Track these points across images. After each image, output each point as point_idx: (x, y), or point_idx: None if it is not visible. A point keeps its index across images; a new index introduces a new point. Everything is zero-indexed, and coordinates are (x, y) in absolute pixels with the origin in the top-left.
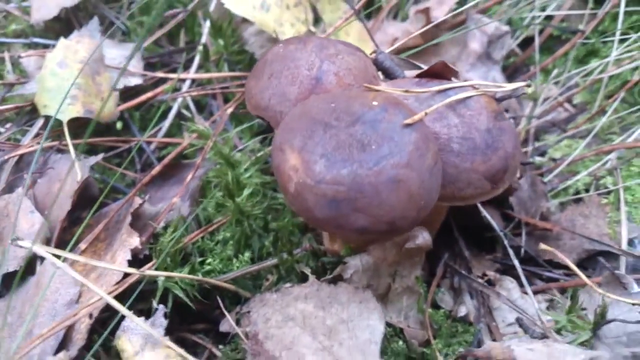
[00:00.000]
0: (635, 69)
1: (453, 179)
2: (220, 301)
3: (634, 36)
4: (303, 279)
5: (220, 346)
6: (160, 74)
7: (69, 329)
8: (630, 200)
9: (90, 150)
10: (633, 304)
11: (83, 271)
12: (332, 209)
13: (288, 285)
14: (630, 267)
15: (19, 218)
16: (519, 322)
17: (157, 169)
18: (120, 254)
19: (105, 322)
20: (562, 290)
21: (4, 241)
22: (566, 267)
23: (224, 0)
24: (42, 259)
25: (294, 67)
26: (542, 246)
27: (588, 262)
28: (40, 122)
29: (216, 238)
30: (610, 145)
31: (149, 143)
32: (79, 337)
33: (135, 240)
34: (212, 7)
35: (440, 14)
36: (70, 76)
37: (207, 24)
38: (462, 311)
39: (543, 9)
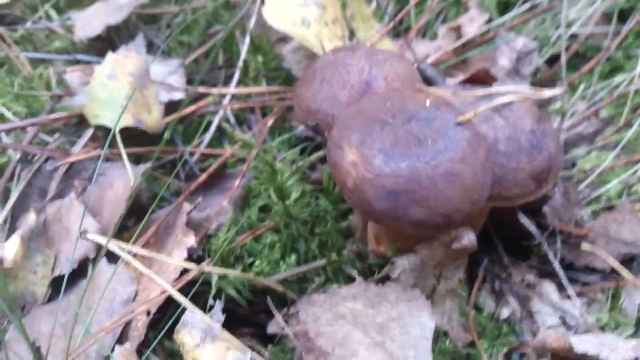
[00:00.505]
0: None
1: (499, 179)
2: (270, 300)
3: None
4: (350, 280)
5: (270, 345)
6: (202, 89)
7: (126, 326)
8: None
9: (135, 161)
10: None
11: (138, 272)
12: (390, 200)
13: (335, 286)
14: None
15: (71, 222)
16: (562, 320)
17: (202, 177)
18: (177, 252)
19: (158, 322)
20: (601, 293)
21: (56, 245)
22: (602, 272)
23: (267, 17)
24: (95, 261)
25: (345, 73)
26: (584, 245)
27: (624, 266)
28: (89, 132)
29: (263, 241)
30: (639, 154)
31: (192, 154)
32: (136, 334)
33: (191, 239)
34: (251, 26)
35: (471, 31)
36: (120, 87)
37: (247, 41)
38: (504, 313)
39: (568, 27)
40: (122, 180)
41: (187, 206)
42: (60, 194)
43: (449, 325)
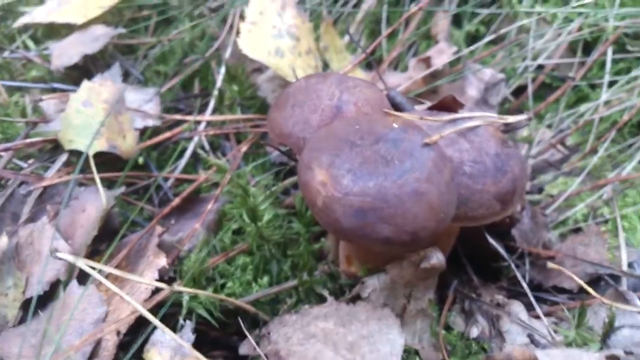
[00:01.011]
0: (624, 110)
1: (465, 200)
2: (241, 322)
3: (621, 81)
4: (321, 301)
5: None
6: (177, 117)
7: (97, 347)
8: (628, 227)
9: (110, 186)
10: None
11: (110, 292)
12: (358, 218)
13: (307, 306)
14: (631, 287)
15: (43, 245)
16: (530, 338)
17: (176, 201)
18: (148, 273)
19: (129, 344)
20: (568, 312)
21: (28, 267)
22: (570, 292)
23: (242, 47)
24: (66, 284)
25: (316, 98)
26: (550, 265)
27: (590, 286)
28: (63, 158)
29: (236, 263)
30: (604, 179)
31: (166, 180)
32: (106, 354)
33: (162, 260)
34: (227, 56)
35: (440, 62)
36: (95, 114)
37: (222, 71)
38: (474, 332)
39: (535, 59)
40: (95, 204)
41: (159, 228)
42: (32, 218)
43: (419, 345)
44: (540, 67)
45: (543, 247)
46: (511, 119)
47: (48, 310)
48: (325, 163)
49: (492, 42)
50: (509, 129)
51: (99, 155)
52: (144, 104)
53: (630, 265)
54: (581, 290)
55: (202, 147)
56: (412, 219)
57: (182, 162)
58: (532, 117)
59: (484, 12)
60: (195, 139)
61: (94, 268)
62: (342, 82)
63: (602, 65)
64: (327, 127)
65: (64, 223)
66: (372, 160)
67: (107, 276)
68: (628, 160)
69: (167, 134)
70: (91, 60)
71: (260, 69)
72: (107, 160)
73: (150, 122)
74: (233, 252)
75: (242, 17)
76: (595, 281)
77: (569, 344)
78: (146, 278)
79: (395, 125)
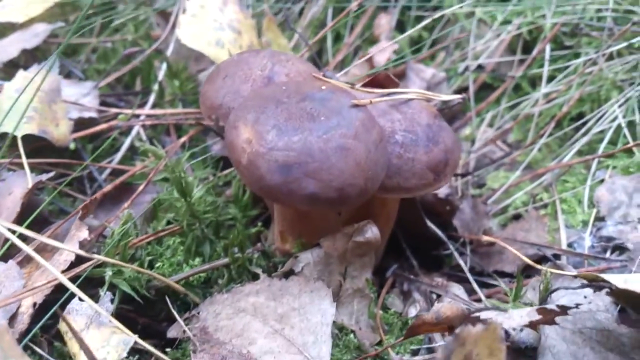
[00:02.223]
0: (562, 103)
1: (398, 169)
2: (170, 303)
3: (559, 75)
4: (254, 279)
5: (168, 349)
6: (115, 110)
7: (12, 319)
8: (567, 209)
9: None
10: (575, 276)
11: (30, 268)
12: (283, 173)
13: (239, 285)
14: (572, 266)
15: None
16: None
17: (108, 187)
18: (69, 244)
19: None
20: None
21: None
22: (510, 275)
23: (182, 37)
24: None
25: (247, 69)
26: (485, 238)
27: (531, 270)
28: None
29: (166, 244)
30: (544, 168)
31: (101, 171)
32: (21, 327)
33: (83, 232)
34: (169, 53)
35: (382, 60)
36: (27, 100)
37: (164, 66)
38: (412, 312)
39: (476, 59)
40: (22, 186)
41: (82, 208)
42: None
43: (356, 326)
44: (480, 68)
45: (484, 235)
46: (445, 96)
47: None
48: (250, 120)
49: (434, 45)
50: (443, 107)
51: (30, 142)
52: (81, 97)
53: (570, 245)
54: (522, 273)
55: (140, 140)
56: (338, 175)
57: (119, 155)
58: (465, 97)
59: (426, 15)
60: (133, 132)
61: (13, 232)
62: (274, 56)
63: (542, 63)
64: (255, 90)
65: None
66: (298, 117)
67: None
68: (567, 150)
69: (103, 126)
70: (32, 58)
71: (205, 69)
72: (40, 148)
73: (87, 114)
74: (163, 232)
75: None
76: (537, 262)
77: None
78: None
79: (323, 87)
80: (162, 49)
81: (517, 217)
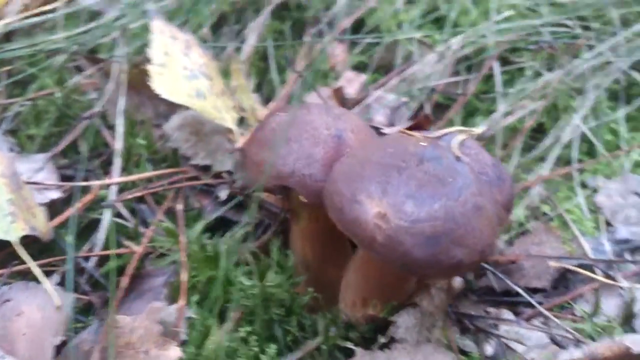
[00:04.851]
0: (523, 119)
1: None
2: None
3: (512, 90)
4: (346, 357)
5: None
6: (81, 183)
7: None
8: (575, 219)
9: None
10: None
11: None
12: (431, 245)
13: None
14: (602, 272)
15: None
16: (552, 340)
17: (125, 280)
18: None
19: None
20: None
21: None
22: (543, 291)
23: (160, 92)
24: None
25: (312, 129)
26: (505, 257)
27: (560, 282)
28: None
29: (235, 336)
30: (530, 180)
31: (86, 259)
32: None
33: (176, 350)
34: (121, 108)
35: (352, 91)
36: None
37: (121, 123)
38: (489, 350)
39: (425, 81)
40: (33, 303)
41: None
42: None
43: None
44: (432, 90)
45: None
46: (477, 130)
47: None
48: (376, 192)
49: (378, 70)
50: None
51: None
52: (35, 174)
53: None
54: (554, 286)
55: (120, 215)
56: (480, 237)
57: (101, 236)
58: (489, 129)
59: (364, 40)
60: (110, 207)
61: None
62: (328, 110)
63: (488, 79)
64: (351, 156)
65: None
66: (427, 182)
67: None
68: (535, 163)
69: (79, 205)
70: None
71: (159, 125)
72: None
73: (52, 195)
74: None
75: (143, 62)
76: (561, 278)
77: (589, 337)
78: None
79: (423, 143)
80: (108, 105)
81: (522, 232)
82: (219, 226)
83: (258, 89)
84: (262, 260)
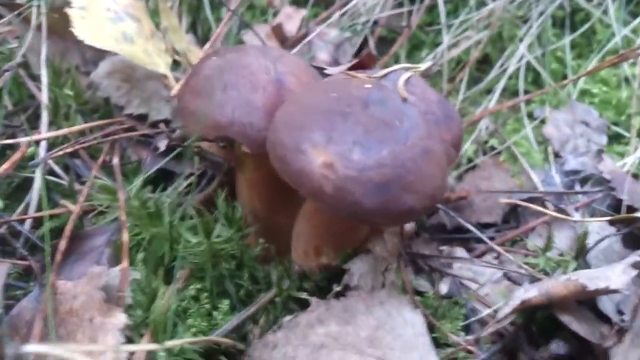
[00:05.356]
0: (468, 50)
1: None
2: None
3: (456, 22)
4: (302, 307)
5: None
6: (7, 141)
7: None
8: (524, 151)
9: None
10: (610, 222)
11: None
12: (381, 194)
13: (287, 318)
14: (553, 204)
15: None
16: (506, 276)
17: (62, 244)
18: (107, 337)
19: None
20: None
21: None
22: (494, 225)
23: (83, 37)
24: None
25: (250, 74)
26: (456, 193)
27: (510, 215)
28: None
29: (185, 294)
30: (477, 114)
31: (21, 222)
32: None
33: (120, 318)
34: (43, 57)
35: (292, 28)
36: None
37: (45, 73)
38: (443, 289)
39: (368, 15)
40: None
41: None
42: None
43: None
44: (375, 23)
45: (450, 191)
46: (422, 66)
47: None
48: (320, 140)
49: (319, 4)
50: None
51: None
52: None
53: (542, 184)
54: (504, 221)
55: (53, 172)
56: (430, 181)
57: (35, 197)
58: (435, 62)
59: None
60: (41, 165)
61: None
62: (266, 53)
63: (431, 10)
64: (293, 102)
65: None
66: (373, 127)
67: None
68: (482, 96)
69: (5, 166)
70: None
71: (88, 72)
72: None
73: None
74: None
75: (64, 5)
76: (509, 212)
77: (543, 272)
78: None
79: (367, 85)
80: (28, 54)
81: (471, 168)
82: (160, 179)
83: (192, 28)
84: (208, 214)
